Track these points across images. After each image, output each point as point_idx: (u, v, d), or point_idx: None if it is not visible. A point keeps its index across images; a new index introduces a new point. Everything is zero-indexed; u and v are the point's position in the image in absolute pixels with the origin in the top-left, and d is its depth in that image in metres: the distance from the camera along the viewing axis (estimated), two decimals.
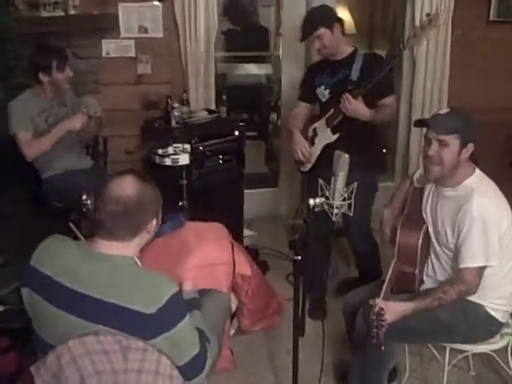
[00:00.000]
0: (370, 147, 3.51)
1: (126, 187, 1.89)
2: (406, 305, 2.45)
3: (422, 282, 2.68)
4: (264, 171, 5.84)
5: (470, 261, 2.41)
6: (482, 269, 2.42)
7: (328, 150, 3.42)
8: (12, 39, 3.93)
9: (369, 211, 3.52)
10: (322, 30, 3.42)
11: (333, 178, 2.38)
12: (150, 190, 1.96)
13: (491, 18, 4.72)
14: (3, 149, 3.65)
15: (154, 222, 1.98)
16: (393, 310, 2.36)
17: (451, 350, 2.64)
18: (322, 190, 2.40)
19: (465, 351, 2.67)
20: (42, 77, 3.61)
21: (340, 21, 3.52)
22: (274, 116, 5.89)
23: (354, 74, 3.46)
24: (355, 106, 3.33)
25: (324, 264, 3.76)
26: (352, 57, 3.52)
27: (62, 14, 4.02)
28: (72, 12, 4.05)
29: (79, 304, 1.82)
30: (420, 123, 2.63)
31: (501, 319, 2.55)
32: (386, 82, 3.47)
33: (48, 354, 1.80)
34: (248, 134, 4.56)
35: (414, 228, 2.63)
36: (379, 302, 2.33)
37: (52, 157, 3.64)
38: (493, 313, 2.53)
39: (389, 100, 3.50)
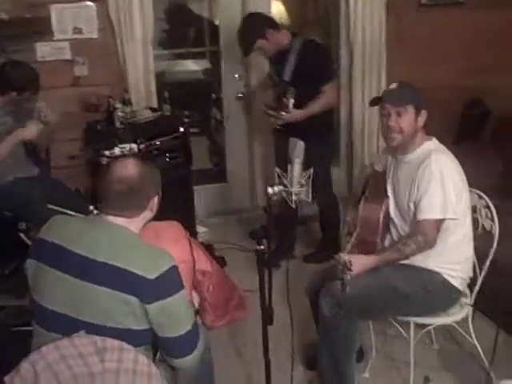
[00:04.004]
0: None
1: (129, 167, 2.02)
2: (369, 258, 2.56)
3: None
4: (209, 167, 5.83)
5: (428, 213, 2.52)
6: (439, 221, 2.53)
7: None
8: None
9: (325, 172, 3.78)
10: (260, 42, 3.72)
11: (289, 166, 2.38)
12: (150, 169, 2.10)
13: (423, 1, 4.84)
14: None
15: (156, 199, 2.11)
16: (357, 262, 2.46)
17: (415, 327, 2.71)
18: (279, 178, 2.40)
19: (428, 325, 2.74)
20: (10, 93, 3.56)
21: (270, 23, 3.76)
22: (215, 111, 5.87)
23: (287, 74, 3.75)
24: (290, 118, 3.68)
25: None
26: (287, 49, 3.76)
27: None
28: (3, 16, 3.94)
29: (83, 267, 1.91)
30: (376, 100, 2.73)
31: (459, 286, 2.64)
32: (324, 68, 3.78)
33: (21, 363, 1.75)
34: (191, 130, 4.54)
35: (376, 202, 2.78)
36: (344, 255, 2.45)
37: (0, 165, 3.52)
38: (451, 280, 2.62)
39: (327, 87, 3.73)
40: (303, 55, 3.72)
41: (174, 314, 1.96)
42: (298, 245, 4.32)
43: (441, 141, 2.73)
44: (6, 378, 1.75)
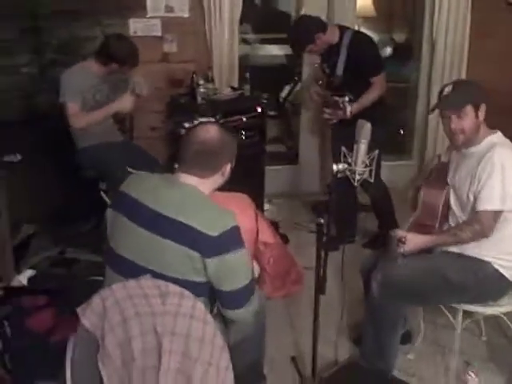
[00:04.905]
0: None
1: (211, 131, 2.21)
2: (424, 237, 2.67)
3: None
4: (283, 150, 5.98)
5: (487, 204, 2.58)
6: (497, 213, 2.59)
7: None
8: (44, 16, 4.09)
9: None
10: (309, 46, 3.86)
11: (355, 146, 2.49)
12: (230, 137, 2.27)
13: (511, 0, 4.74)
14: (37, 119, 3.82)
15: (229, 166, 2.27)
16: (411, 240, 2.59)
17: (463, 315, 2.77)
18: (344, 157, 2.52)
19: (476, 314, 2.81)
20: (111, 65, 3.79)
21: (319, 27, 3.84)
22: (293, 96, 5.99)
23: (340, 69, 3.86)
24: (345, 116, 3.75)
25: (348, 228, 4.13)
26: (338, 45, 3.87)
27: None
28: None
29: (154, 221, 2.10)
30: (435, 107, 2.81)
31: (510, 277, 2.69)
32: (374, 61, 3.89)
33: (92, 298, 1.95)
34: (269, 113, 4.70)
35: (438, 188, 2.87)
36: (400, 231, 2.60)
37: (90, 128, 3.76)
38: (501, 270, 2.67)
39: (376, 79, 3.85)
40: (353, 49, 3.83)
41: (232, 270, 2.12)
42: (359, 233, 4.41)
43: None
44: (79, 309, 1.95)
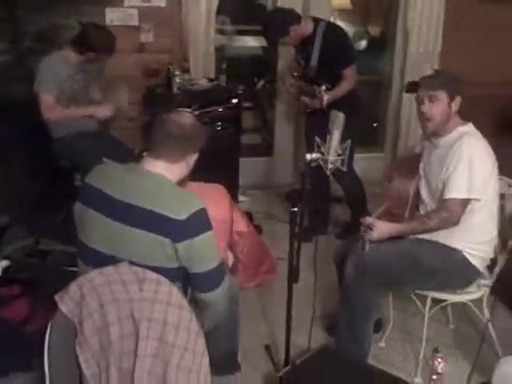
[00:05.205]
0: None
1: (185, 117, 2.32)
2: (392, 225, 2.74)
3: None
4: (258, 142, 6.01)
5: (454, 192, 2.64)
6: (464, 201, 2.66)
7: None
8: (22, 5, 4.07)
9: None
10: (284, 38, 3.97)
11: (328, 135, 2.53)
12: (201, 128, 2.35)
13: None
14: (12, 108, 3.80)
15: (195, 157, 2.30)
16: (380, 227, 2.67)
17: (432, 303, 2.85)
18: (318, 146, 2.56)
19: (444, 300, 2.89)
20: (89, 54, 3.80)
21: (292, 19, 3.91)
22: (269, 88, 6.01)
23: (314, 60, 3.94)
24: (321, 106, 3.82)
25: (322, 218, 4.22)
26: (312, 36, 3.94)
27: None
28: None
29: (122, 211, 2.12)
30: (411, 85, 2.88)
31: (478, 266, 2.77)
32: (345, 53, 3.98)
33: (69, 285, 1.98)
34: (245, 105, 4.73)
35: (409, 178, 2.94)
36: (369, 218, 2.69)
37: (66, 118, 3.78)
38: (470, 258, 2.75)
39: (347, 71, 3.93)
40: (327, 40, 3.91)
41: (202, 252, 2.15)
42: (331, 224, 4.48)
43: (490, 136, 2.81)
44: (56, 297, 1.98)
